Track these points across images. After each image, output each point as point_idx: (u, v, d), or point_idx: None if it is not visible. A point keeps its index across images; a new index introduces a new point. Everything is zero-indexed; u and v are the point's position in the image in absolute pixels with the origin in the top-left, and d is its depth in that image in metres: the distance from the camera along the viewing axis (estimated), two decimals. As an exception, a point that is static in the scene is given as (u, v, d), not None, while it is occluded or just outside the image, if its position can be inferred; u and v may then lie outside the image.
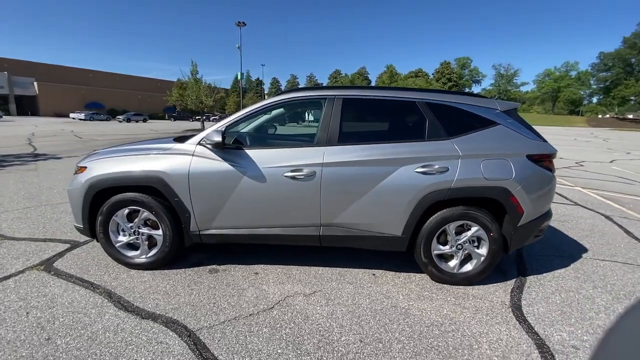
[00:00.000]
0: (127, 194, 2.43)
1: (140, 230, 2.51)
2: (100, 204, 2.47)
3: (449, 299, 2.27)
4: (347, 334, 1.86)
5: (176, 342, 1.74)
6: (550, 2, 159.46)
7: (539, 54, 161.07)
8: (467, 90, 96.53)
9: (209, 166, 2.38)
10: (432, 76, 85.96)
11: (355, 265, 2.72)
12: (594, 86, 75.67)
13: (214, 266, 2.66)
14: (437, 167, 2.30)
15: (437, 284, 2.47)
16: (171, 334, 1.80)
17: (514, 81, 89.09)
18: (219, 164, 2.37)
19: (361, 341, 1.81)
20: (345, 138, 2.43)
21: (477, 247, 2.42)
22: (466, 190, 2.29)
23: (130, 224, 2.51)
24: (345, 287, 2.40)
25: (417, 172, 2.30)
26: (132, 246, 2.59)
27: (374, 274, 2.59)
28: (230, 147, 2.44)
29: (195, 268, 2.61)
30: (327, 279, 2.51)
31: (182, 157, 2.41)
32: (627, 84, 60.75)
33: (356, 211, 2.38)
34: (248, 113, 2.59)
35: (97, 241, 2.56)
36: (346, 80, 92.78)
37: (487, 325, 1.97)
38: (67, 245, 2.94)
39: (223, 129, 2.39)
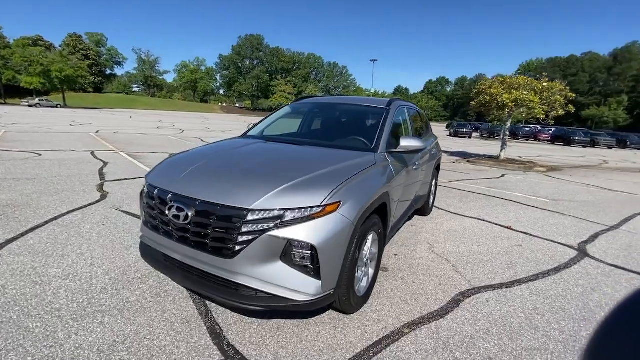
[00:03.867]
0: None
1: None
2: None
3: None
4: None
5: None
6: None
7: (175, 46, 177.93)
8: (109, 73, 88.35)
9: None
10: (59, 47, 70.02)
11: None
12: (220, 81, 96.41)
13: None
14: None
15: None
16: None
17: (157, 68, 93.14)
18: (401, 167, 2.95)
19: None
20: None
21: None
22: None
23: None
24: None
25: None
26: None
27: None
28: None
29: None
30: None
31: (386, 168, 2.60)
32: (240, 82, 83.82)
33: None
34: None
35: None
36: None
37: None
38: None
39: None
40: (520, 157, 15.16)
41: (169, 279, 2.60)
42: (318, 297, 1.82)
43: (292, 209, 1.79)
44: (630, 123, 65.00)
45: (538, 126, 40.39)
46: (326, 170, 2.15)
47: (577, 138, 30.80)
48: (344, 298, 2.06)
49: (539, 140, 35.95)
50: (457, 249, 3.63)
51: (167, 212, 1.98)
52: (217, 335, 2.01)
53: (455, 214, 5.06)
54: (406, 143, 2.78)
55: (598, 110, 66.07)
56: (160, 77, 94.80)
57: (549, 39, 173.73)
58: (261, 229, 1.77)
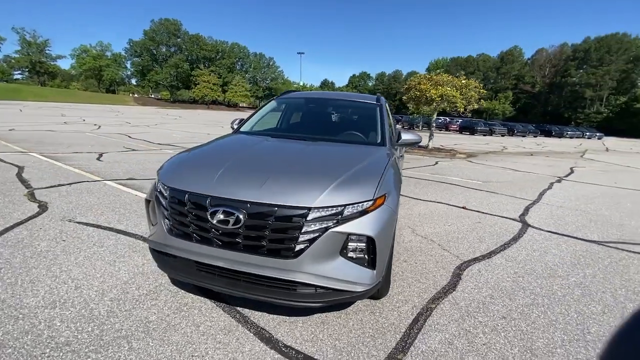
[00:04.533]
0: None
1: None
2: None
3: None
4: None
5: None
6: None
7: (69, 27, 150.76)
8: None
9: None
10: None
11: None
12: (132, 69, 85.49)
13: None
14: None
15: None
16: None
17: (48, 52, 78.12)
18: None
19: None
20: None
21: None
22: None
23: None
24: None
25: None
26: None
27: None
28: None
29: None
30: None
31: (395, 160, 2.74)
32: (156, 71, 75.40)
33: None
34: None
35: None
36: None
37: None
38: None
39: None
40: (442, 145, 17.11)
41: (184, 291, 2.38)
42: (372, 285, 1.91)
43: (350, 204, 1.83)
44: (514, 114, 78.77)
45: (447, 118, 46.01)
46: (362, 166, 2.22)
47: (479, 128, 36.05)
48: (384, 284, 2.19)
49: (449, 130, 40.89)
50: (435, 229, 4.06)
51: (208, 217, 1.83)
52: (268, 339, 1.95)
53: (417, 199, 5.58)
54: (406, 137, 3.01)
55: (491, 104, 77.99)
56: (53, 63, 79.70)
57: (453, 40, 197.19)
58: (325, 226, 1.78)
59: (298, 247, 1.78)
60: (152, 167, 6.65)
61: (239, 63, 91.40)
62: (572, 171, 10.43)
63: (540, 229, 4.36)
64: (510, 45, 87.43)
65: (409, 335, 2.06)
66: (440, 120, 44.11)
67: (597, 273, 3.11)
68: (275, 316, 2.17)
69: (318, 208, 1.77)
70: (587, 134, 42.91)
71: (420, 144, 16.93)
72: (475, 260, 3.24)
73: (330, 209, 1.79)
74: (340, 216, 1.80)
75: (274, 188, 1.87)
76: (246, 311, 2.21)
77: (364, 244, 1.85)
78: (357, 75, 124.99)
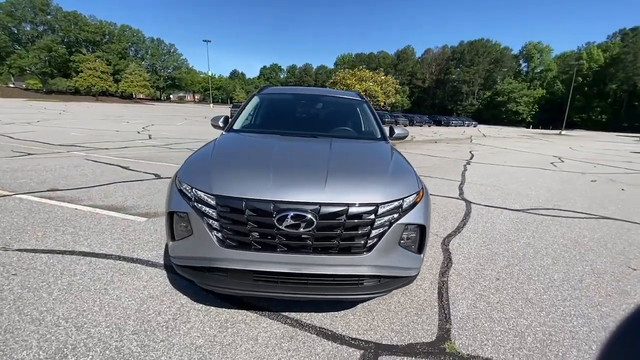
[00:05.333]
0: None
1: None
2: None
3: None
4: None
5: None
6: None
7: None
8: None
9: None
10: None
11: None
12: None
13: None
14: None
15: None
16: None
17: None
18: None
19: None
20: None
21: None
22: None
23: None
24: None
25: None
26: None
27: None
28: None
29: None
30: None
31: None
32: (20, 54, 59.92)
33: None
34: None
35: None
36: None
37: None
38: None
39: None
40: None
41: (214, 307, 2.18)
42: (419, 269, 2.11)
43: (407, 197, 1.97)
44: (410, 107, 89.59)
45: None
46: (393, 161, 2.38)
47: (386, 119, 39.73)
48: None
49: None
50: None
51: (275, 223, 1.74)
52: (333, 336, 1.97)
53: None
54: (399, 132, 3.28)
55: (394, 97, 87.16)
56: None
57: (355, 37, 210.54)
58: (392, 219, 1.88)
59: (370, 242, 1.85)
60: (75, 175, 5.54)
61: (133, 49, 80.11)
62: (472, 155, 12.57)
63: (479, 204, 5.25)
64: (405, 45, 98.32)
65: (442, 307, 2.34)
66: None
67: (534, 234, 3.97)
68: (322, 314, 2.19)
69: (384, 203, 1.86)
70: (467, 122, 51.69)
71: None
72: (451, 235, 3.76)
73: (393, 202, 1.90)
74: (401, 209, 1.93)
75: (336, 187, 1.88)
76: (293, 314, 2.16)
77: (415, 232, 2.03)
78: (269, 67, 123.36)
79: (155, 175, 5.89)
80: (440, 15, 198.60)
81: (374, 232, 1.85)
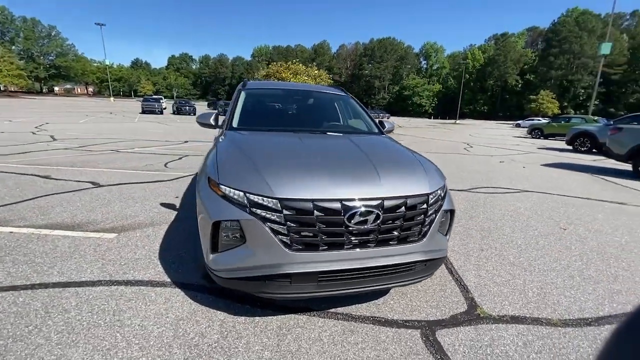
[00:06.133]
0: None
1: None
2: None
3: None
4: None
5: None
6: None
7: None
8: None
9: None
10: None
11: None
12: None
13: None
14: None
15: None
16: None
17: None
18: None
19: None
20: None
21: None
22: None
23: None
24: None
25: None
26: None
27: None
28: None
29: None
30: None
31: None
32: None
33: None
34: None
35: None
36: None
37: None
38: None
39: None
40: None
41: (258, 317, 2.07)
42: (447, 250, 2.36)
43: (443, 186, 2.17)
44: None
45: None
46: (412, 152, 2.55)
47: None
48: None
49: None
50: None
51: (345, 221, 1.74)
52: (388, 322, 2.08)
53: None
54: (388, 126, 3.48)
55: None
56: None
57: (273, 29, 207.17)
58: (438, 207, 2.05)
59: (423, 230, 1.99)
60: (-22, 190, 4.34)
61: (-5, 29, 64.23)
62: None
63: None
64: (321, 40, 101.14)
65: (458, 280, 2.65)
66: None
67: (486, 209, 4.68)
68: (365, 305, 2.27)
69: (432, 193, 2.02)
70: (380, 114, 56.24)
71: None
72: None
73: (437, 191, 2.08)
74: (441, 196, 2.12)
75: (390, 181, 1.96)
76: (340, 310, 2.19)
77: (447, 217, 2.25)
78: (178, 57, 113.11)
79: (93, 183, 5.01)
80: (352, 13, 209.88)
81: (427, 220, 2.00)
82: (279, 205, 1.74)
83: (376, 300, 2.32)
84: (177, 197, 4.55)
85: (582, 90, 65.85)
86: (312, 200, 1.75)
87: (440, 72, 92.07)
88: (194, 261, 2.72)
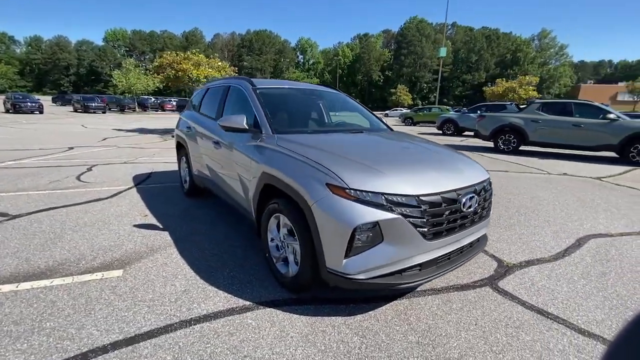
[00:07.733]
0: None
1: None
2: None
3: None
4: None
5: None
6: None
7: None
8: None
9: None
10: None
11: None
12: None
13: None
14: None
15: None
16: None
17: None
18: None
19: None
20: None
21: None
22: None
23: None
24: None
25: None
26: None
27: None
28: None
29: None
30: None
31: None
32: None
33: None
34: None
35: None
36: None
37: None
38: None
39: None
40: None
41: (371, 312, 2.17)
42: None
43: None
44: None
45: (159, 97, 43.75)
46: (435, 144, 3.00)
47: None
48: None
49: (166, 110, 39.00)
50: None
51: (462, 207, 2.05)
52: (479, 284, 2.49)
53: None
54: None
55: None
56: None
57: (127, 8, 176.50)
58: (492, 190, 2.55)
59: (489, 208, 2.47)
60: None
61: None
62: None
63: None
64: (192, 27, 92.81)
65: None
66: (152, 100, 40.99)
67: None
68: (435, 282, 2.61)
69: (488, 178, 2.51)
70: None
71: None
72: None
73: (488, 177, 2.58)
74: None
75: (465, 171, 2.33)
76: (427, 287, 2.49)
77: None
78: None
79: (4, 214, 3.65)
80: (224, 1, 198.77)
81: (491, 200, 2.49)
82: (415, 201, 1.90)
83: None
84: (145, 215, 3.81)
85: (425, 85, 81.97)
86: (440, 194, 1.98)
87: (317, 66, 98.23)
88: (251, 275, 2.52)
